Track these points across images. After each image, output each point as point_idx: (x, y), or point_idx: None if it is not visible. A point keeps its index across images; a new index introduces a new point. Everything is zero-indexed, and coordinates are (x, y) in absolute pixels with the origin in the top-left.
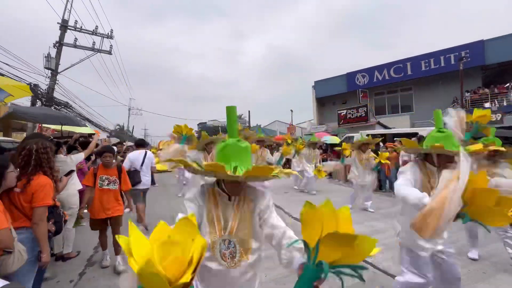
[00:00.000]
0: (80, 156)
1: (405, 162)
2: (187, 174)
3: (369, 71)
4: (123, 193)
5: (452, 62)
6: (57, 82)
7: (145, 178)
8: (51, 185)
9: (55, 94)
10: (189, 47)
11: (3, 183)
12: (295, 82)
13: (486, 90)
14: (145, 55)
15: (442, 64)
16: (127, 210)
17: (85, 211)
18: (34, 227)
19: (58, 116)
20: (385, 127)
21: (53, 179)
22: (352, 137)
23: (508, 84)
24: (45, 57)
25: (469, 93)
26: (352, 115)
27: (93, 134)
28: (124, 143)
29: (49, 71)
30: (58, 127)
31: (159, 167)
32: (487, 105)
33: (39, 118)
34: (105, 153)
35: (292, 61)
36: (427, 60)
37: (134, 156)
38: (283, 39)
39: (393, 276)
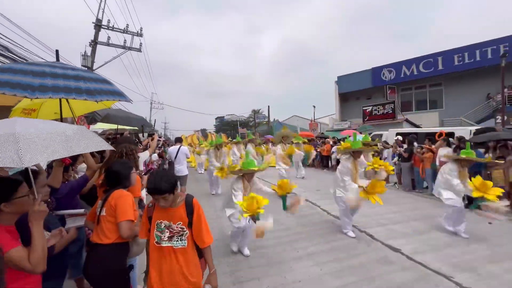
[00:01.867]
0: (146, 154)
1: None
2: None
3: (396, 65)
4: (203, 252)
5: (489, 56)
6: None
7: (178, 167)
8: (139, 180)
9: None
10: (204, 42)
11: (130, 182)
12: (312, 76)
13: None
14: (162, 50)
15: (478, 59)
16: None
17: None
18: None
19: (139, 119)
20: (414, 124)
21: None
22: (381, 135)
23: None
24: (82, 55)
25: (506, 89)
26: (378, 112)
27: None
28: (158, 136)
29: (86, 69)
30: (105, 125)
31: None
32: None
33: (125, 121)
34: (154, 196)
35: (309, 55)
36: (460, 54)
37: (171, 150)
38: (299, 32)
39: (445, 276)
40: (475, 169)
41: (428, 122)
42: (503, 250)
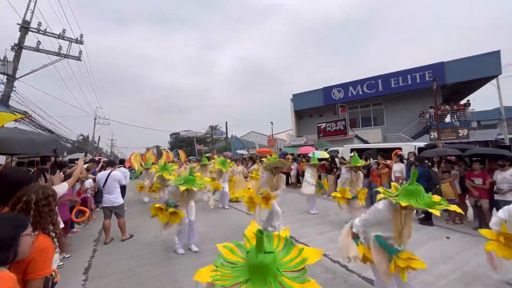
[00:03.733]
0: (63, 188)
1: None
2: None
3: (344, 86)
4: None
5: (418, 80)
6: (14, 88)
7: (107, 197)
8: (53, 248)
9: (11, 103)
10: (158, 56)
11: (17, 250)
12: (269, 93)
13: (447, 107)
14: (110, 62)
15: (409, 82)
16: None
17: None
18: None
19: (49, 141)
20: (362, 140)
21: (55, 236)
22: (336, 150)
23: (465, 101)
24: (0, 60)
25: (432, 109)
26: (331, 128)
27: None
28: (99, 160)
29: (5, 76)
30: None
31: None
32: (447, 119)
33: (26, 147)
34: None
35: (265, 73)
36: (396, 78)
37: (99, 177)
38: (255, 52)
39: None
40: (425, 184)
41: (373, 137)
42: (469, 270)
